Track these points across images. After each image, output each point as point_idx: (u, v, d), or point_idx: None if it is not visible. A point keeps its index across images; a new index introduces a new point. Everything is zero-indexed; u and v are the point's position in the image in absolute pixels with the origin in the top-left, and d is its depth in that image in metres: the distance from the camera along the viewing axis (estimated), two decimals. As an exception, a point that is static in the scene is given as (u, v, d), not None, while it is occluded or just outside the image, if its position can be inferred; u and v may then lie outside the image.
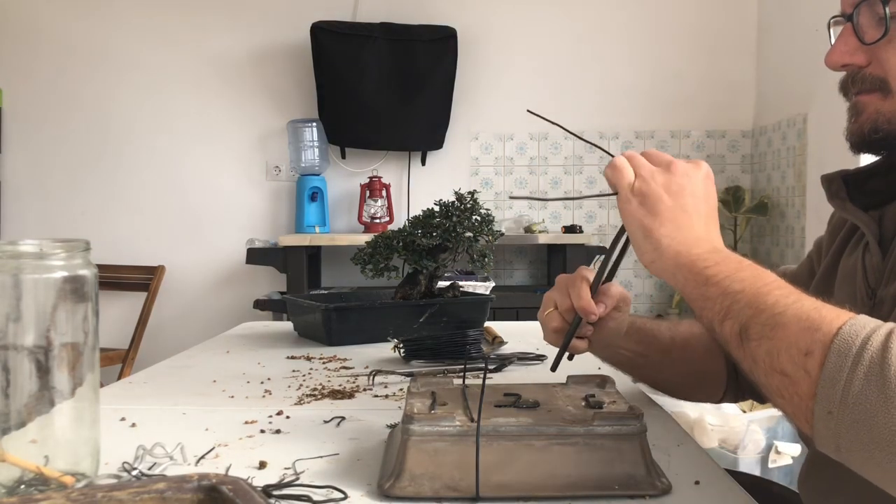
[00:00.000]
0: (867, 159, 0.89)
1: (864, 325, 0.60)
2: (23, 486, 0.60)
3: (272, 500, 0.62)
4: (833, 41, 0.85)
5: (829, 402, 0.58)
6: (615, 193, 0.85)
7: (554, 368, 0.92)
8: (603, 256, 0.91)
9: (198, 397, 1.01)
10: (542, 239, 3.29)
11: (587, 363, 1.27)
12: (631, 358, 1.02)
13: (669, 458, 0.74)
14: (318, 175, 3.44)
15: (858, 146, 0.84)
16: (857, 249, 0.87)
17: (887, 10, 0.77)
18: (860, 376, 0.57)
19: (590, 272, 0.92)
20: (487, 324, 1.49)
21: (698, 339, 1.05)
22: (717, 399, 1.10)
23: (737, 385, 1.07)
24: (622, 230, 0.85)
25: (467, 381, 0.77)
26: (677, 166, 0.81)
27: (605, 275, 0.89)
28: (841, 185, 0.89)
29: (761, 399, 1.06)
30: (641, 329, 1.01)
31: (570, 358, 0.96)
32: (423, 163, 3.59)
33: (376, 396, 1.01)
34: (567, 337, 0.91)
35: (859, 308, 0.81)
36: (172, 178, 3.60)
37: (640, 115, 3.59)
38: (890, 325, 0.59)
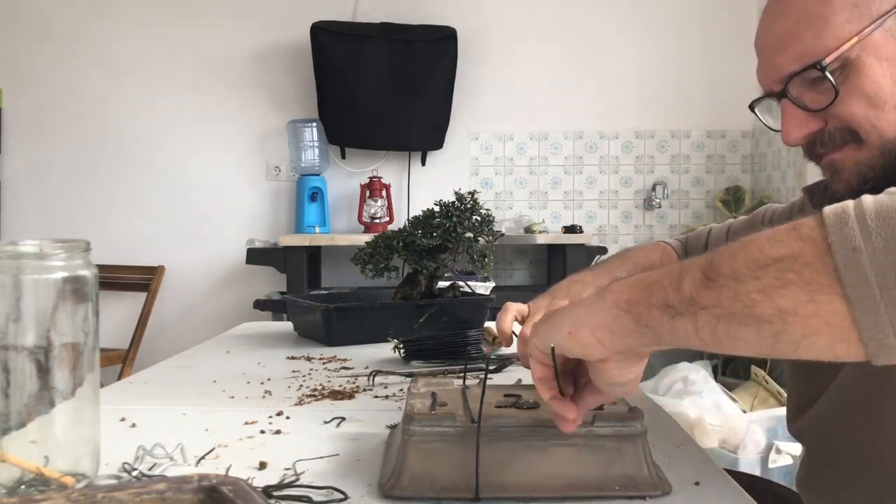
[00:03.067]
0: None
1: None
2: (23, 487, 0.60)
3: (272, 501, 0.62)
4: (768, 123, 0.86)
5: (848, 239, 0.50)
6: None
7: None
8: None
9: (198, 397, 1.01)
10: (542, 239, 3.29)
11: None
12: None
13: (669, 458, 0.74)
14: (318, 175, 3.44)
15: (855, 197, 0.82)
16: None
17: (828, 74, 0.75)
18: (869, 200, 0.51)
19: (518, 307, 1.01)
20: (487, 324, 1.49)
21: (658, 265, 1.07)
22: None
23: None
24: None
25: (467, 382, 0.77)
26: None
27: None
28: (823, 196, 0.89)
29: None
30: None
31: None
32: (423, 163, 3.59)
33: (376, 397, 1.01)
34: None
35: None
36: (172, 178, 3.60)
37: (640, 115, 3.59)
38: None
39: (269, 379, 1.12)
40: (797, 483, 0.97)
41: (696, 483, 0.67)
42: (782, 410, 2.62)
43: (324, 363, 1.24)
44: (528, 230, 3.36)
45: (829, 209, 0.52)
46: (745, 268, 0.53)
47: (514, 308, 1.07)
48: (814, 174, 3.04)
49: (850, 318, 0.50)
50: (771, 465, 2.49)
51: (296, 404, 0.96)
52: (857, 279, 0.49)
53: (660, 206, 3.60)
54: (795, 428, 0.95)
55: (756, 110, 0.88)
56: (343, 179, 3.60)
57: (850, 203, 0.51)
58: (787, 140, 0.82)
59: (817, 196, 0.90)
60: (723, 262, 0.54)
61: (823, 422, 0.87)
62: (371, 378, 1.08)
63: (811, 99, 0.79)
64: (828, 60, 0.75)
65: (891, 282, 0.49)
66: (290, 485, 0.65)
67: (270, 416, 0.90)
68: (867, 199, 0.51)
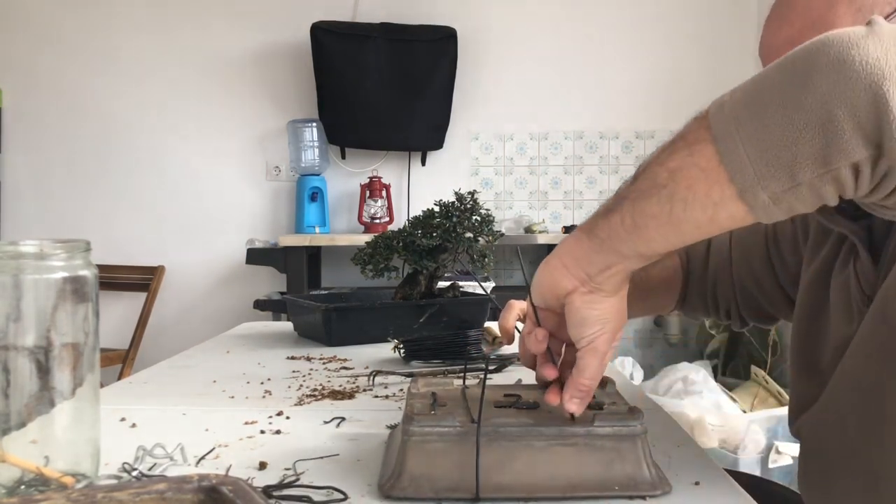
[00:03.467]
0: None
1: None
2: (23, 487, 0.60)
3: (272, 501, 0.62)
4: None
5: (718, 101, 0.60)
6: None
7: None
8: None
9: (198, 397, 1.01)
10: (542, 239, 3.28)
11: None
12: None
13: (669, 458, 0.74)
14: (318, 175, 3.44)
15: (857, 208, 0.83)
16: (847, 264, 0.86)
17: None
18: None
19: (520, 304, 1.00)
20: (487, 324, 1.49)
21: (663, 282, 1.12)
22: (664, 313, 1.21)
23: (682, 307, 1.16)
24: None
25: (467, 382, 0.77)
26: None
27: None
28: None
29: (696, 318, 1.22)
30: None
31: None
32: (423, 163, 3.59)
33: (376, 397, 1.01)
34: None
35: (855, 315, 0.81)
36: (172, 179, 3.60)
37: (640, 115, 3.59)
38: None
39: (269, 379, 1.12)
40: (798, 481, 0.97)
41: (696, 483, 0.67)
42: (782, 410, 2.62)
43: (324, 363, 1.24)
44: (528, 230, 3.36)
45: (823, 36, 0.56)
46: (655, 155, 0.61)
47: (517, 306, 1.07)
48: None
49: (717, 157, 0.56)
50: (771, 465, 2.49)
51: (296, 404, 0.96)
52: (720, 121, 0.57)
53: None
54: (795, 427, 0.95)
55: None
56: (343, 179, 3.60)
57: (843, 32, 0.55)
58: None
59: None
60: (648, 159, 0.62)
61: (822, 420, 0.87)
62: (371, 378, 1.08)
63: None
64: None
65: (744, 118, 0.55)
66: (290, 485, 0.65)
67: (270, 416, 0.90)
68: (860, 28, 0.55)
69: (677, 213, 0.58)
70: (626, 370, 3.15)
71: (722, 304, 1.11)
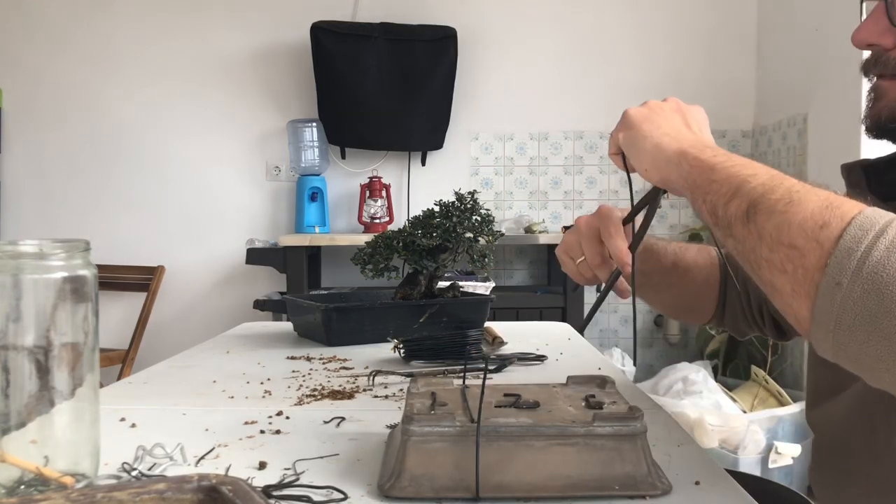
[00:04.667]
0: (870, 150, 0.88)
1: (888, 213, 0.58)
2: (22, 487, 0.59)
3: (272, 501, 0.62)
4: (863, 15, 0.84)
5: (840, 272, 0.56)
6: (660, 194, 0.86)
7: (583, 329, 0.93)
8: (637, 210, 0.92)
9: (198, 397, 1.01)
10: (542, 239, 3.28)
11: (587, 363, 1.27)
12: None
13: (670, 458, 0.74)
14: (318, 175, 3.44)
15: (874, 131, 0.83)
16: None
17: None
18: (882, 247, 0.55)
19: (616, 213, 0.92)
20: (487, 324, 1.49)
21: (700, 268, 1.09)
22: (704, 322, 1.16)
23: (722, 318, 1.12)
24: (653, 191, 0.86)
25: (467, 382, 0.77)
26: (651, 101, 0.85)
27: (632, 219, 0.91)
28: (861, 175, 0.88)
29: (738, 335, 1.15)
30: (648, 249, 1.04)
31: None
32: (423, 163, 3.59)
33: (376, 397, 1.01)
34: (604, 292, 0.92)
35: None
36: (172, 178, 3.61)
37: (640, 115, 3.59)
38: None
39: (269, 379, 1.12)
40: (809, 474, 0.97)
41: (696, 483, 0.67)
42: (782, 410, 2.63)
43: (324, 363, 1.24)
44: (528, 230, 3.36)
45: (855, 227, 0.57)
46: (772, 231, 0.61)
47: (616, 220, 0.95)
48: (814, 174, 3.05)
49: (808, 324, 0.59)
50: (771, 465, 2.49)
51: (296, 404, 0.96)
52: (825, 308, 0.57)
53: (660, 206, 3.60)
54: (811, 419, 0.95)
55: (863, 2, 0.86)
56: (343, 179, 3.60)
57: (870, 234, 0.56)
58: (853, 38, 0.82)
59: (854, 174, 0.89)
60: (763, 211, 0.63)
61: (841, 416, 0.86)
62: (371, 378, 1.08)
63: None
64: None
65: (844, 325, 0.56)
66: (290, 485, 0.65)
67: (270, 416, 0.90)
68: (882, 243, 0.55)
69: (765, 256, 0.62)
70: (616, 360, 3.15)
71: (754, 303, 1.07)
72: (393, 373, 1.10)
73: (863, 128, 0.84)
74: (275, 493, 0.63)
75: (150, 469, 0.70)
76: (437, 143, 3.53)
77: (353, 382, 1.09)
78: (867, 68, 0.83)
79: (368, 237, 1.54)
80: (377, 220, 3.42)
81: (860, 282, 0.55)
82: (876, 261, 0.54)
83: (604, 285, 0.93)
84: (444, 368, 1.15)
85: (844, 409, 0.86)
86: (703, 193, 0.70)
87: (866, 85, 0.85)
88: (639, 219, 0.90)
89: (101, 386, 0.78)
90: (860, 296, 0.55)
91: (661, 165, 0.78)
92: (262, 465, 0.71)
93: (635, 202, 0.90)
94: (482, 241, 1.46)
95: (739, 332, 1.12)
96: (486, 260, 1.48)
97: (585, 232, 0.94)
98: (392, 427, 0.81)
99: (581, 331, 0.95)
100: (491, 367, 1.16)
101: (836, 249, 0.56)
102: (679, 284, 1.09)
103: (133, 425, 0.86)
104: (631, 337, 3.55)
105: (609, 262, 0.93)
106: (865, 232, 0.56)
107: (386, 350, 1.28)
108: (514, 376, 1.13)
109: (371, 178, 3.47)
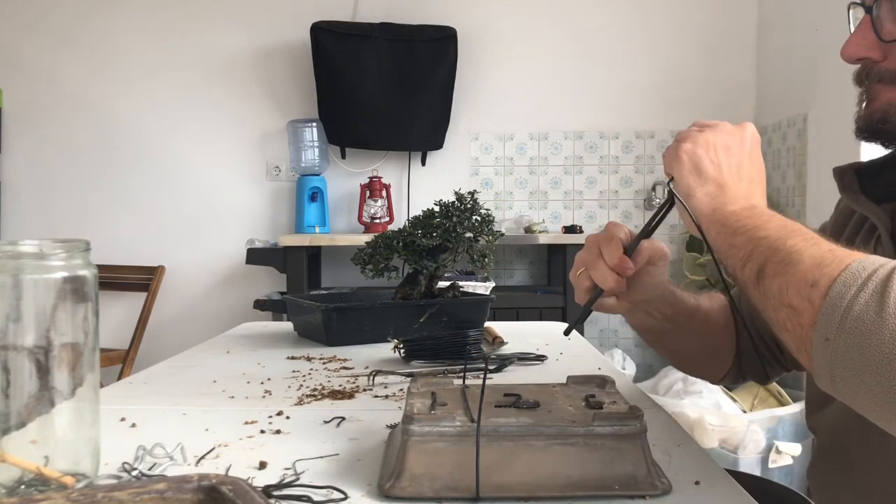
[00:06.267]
0: (870, 149, 0.89)
1: (873, 262, 0.60)
2: (23, 487, 0.59)
3: (272, 501, 0.62)
4: (851, 28, 0.84)
5: (827, 328, 0.59)
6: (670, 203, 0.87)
7: (568, 332, 0.92)
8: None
9: (198, 397, 1.01)
10: (542, 239, 3.28)
11: (587, 363, 1.27)
12: (659, 322, 0.99)
13: (670, 458, 0.74)
14: (318, 175, 3.44)
15: (864, 133, 0.83)
16: (868, 245, 0.86)
17: None
18: (861, 302, 0.58)
19: (620, 229, 0.89)
20: (487, 324, 1.49)
21: (717, 313, 1.05)
22: (718, 379, 1.11)
23: (739, 367, 1.07)
24: (670, 194, 0.86)
25: (467, 382, 0.77)
26: (724, 126, 0.83)
27: (643, 233, 0.88)
28: (853, 178, 0.88)
29: (761, 379, 1.11)
30: (673, 293, 0.99)
31: (589, 312, 0.93)
32: (423, 163, 3.59)
33: (376, 397, 1.01)
34: (591, 298, 0.89)
35: None
36: (172, 179, 3.61)
37: (640, 115, 3.59)
38: None
39: (269, 379, 1.12)
40: (806, 472, 0.97)
41: (696, 482, 0.67)
42: (782, 410, 2.63)
43: (324, 363, 1.24)
44: (528, 230, 3.36)
45: (840, 283, 0.60)
46: (775, 293, 0.66)
47: (618, 233, 0.90)
48: (814, 174, 3.05)
49: (812, 371, 0.63)
50: (771, 465, 2.49)
51: (296, 404, 0.96)
52: (820, 363, 0.61)
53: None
54: (811, 422, 0.95)
55: (850, 10, 0.86)
56: (343, 179, 3.60)
57: (853, 288, 0.59)
58: (842, 53, 0.83)
59: (847, 177, 0.89)
60: (769, 274, 0.67)
61: (840, 420, 0.86)
62: (371, 378, 1.08)
63: (889, 29, 0.78)
64: None
65: (837, 377, 0.60)
66: (290, 484, 0.65)
67: (270, 416, 0.90)
68: (862, 297, 0.58)
69: (772, 317, 0.67)
70: (617, 361, 3.14)
71: (768, 338, 1.03)
72: (393, 373, 1.10)
73: (854, 130, 0.84)
74: (275, 493, 0.63)
75: (150, 469, 0.70)
76: (437, 143, 3.53)
77: (354, 382, 1.09)
78: (860, 79, 0.84)
79: (368, 237, 1.54)
80: (377, 220, 3.42)
81: (843, 335, 0.58)
82: (856, 315, 0.58)
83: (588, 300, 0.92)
84: (444, 368, 1.15)
85: (840, 414, 0.86)
86: (727, 258, 0.75)
87: (843, 105, 0.86)
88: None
89: (102, 386, 0.78)
90: (845, 350, 0.58)
91: (699, 225, 0.80)
92: (263, 465, 0.71)
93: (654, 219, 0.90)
94: (482, 241, 1.46)
95: (762, 375, 1.08)
96: (486, 260, 1.48)
97: (589, 244, 0.92)
98: (392, 427, 0.81)
99: (567, 332, 0.94)
100: (491, 367, 1.16)
101: (823, 306, 0.60)
102: (701, 331, 1.04)
103: (133, 425, 0.86)
104: (631, 337, 3.56)
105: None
106: (848, 287, 0.59)
107: (386, 350, 1.28)
108: (514, 376, 1.13)
109: (371, 178, 3.47)
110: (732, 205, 0.78)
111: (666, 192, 0.87)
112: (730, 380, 1.10)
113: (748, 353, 1.06)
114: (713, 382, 1.15)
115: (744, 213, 0.76)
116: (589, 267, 0.89)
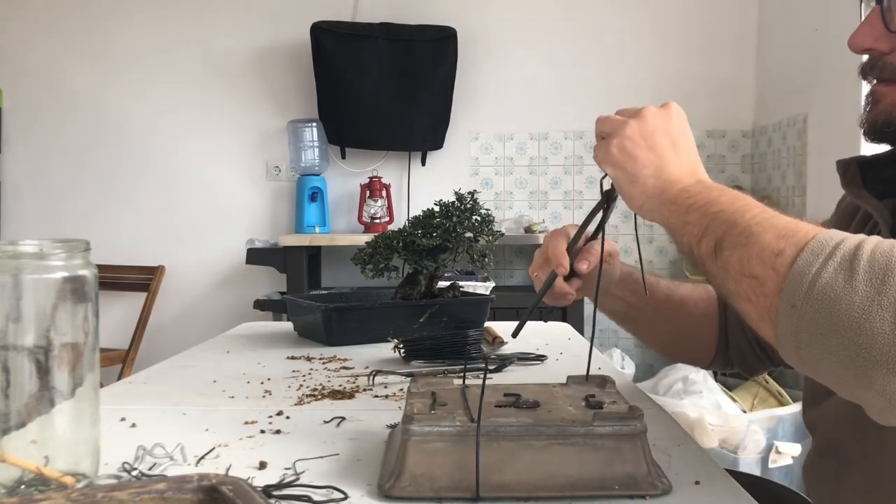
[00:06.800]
0: (872, 147, 0.88)
1: (840, 234, 0.61)
2: (23, 487, 0.60)
3: (272, 501, 0.62)
4: (862, 18, 0.84)
5: (794, 295, 0.60)
6: (607, 202, 0.91)
7: (515, 334, 0.94)
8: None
9: (198, 397, 1.01)
10: (542, 239, 3.27)
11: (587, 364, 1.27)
12: (624, 308, 1.07)
13: (670, 458, 0.74)
14: (318, 175, 3.44)
15: (871, 135, 0.83)
16: None
17: None
18: (829, 270, 0.59)
19: (573, 228, 0.97)
20: (487, 324, 1.49)
21: (696, 302, 1.09)
22: (706, 364, 1.14)
23: (726, 355, 1.10)
24: (611, 189, 0.89)
25: (467, 382, 0.77)
26: (647, 111, 0.87)
27: (590, 232, 0.96)
28: (856, 172, 0.88)
29: (749, 370, 1.11)
30: (637, 281, 1.04)
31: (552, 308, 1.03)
32: (423, 163, 3.59)
33: (376, 397, 1.01)
34: (540, 291, 0.96)
35: None
36: (172, 178, 3.61)
37: (640, 115, 3.59)
38: (866, 236, 0.61)
39: (269, 379, 1.12)
40: (802, 470, 0.97)
41: (696, 482, 0.67)
42: (782, 410, 2.63)
43: (324, 363, 1.24)
44: (528, 230, 3.36)
45: (807, 252, 0.61)
46: (735, 265, 0.66)
47: (568, 230, 1.00)
48: (814, 174, 3.05)
49: (777, 345, 0.64)
50: (771, 465, 2.49)
51: (296, 404, 0.96)
52: (785, 329, 0.61)
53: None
54: (808, 418, 0.95)
55: (862, 1, 0.86)
56: (343, 179, 3.60)
57: (820, 257, 0.60)
58: (849, 42, 0.83)
59: (850, 171, 0.89)
60: (727, 246, 0.67)
61: (837, 416, 0.86)
62: (371, 378, 1.08)
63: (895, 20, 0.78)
64: None
65: (803, 344, 0.60)
66: (290, 484, 0.65)
67: (270, 416, 0.90)
68: (831, 265, 0.59)
69: (732, 289, 0.67)
70: (616, 361, 3.14)
71: (751, 333, 1.05)
72: (393, 373, 1.10)
73: (861, 132, 0.84)
74: (275, 493, 0.63)
75: (150, 469, 0.70)
76: (438, 143, 3.53)
77: (354, 382, 1.09)
78: (865, 72, 0.84)
79: (368, 237, 1.54)
80: (377, 220, 3.42)
81: (811, 302, 0.59)
82: (825, 282, 0.58)
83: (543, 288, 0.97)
84: (444, 368, 1.15)
85: (837, 409, 0.86)
86: (681, 236, 0.75)
87: (865, 87, 0.85)
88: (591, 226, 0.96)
89: (102, 386, 0.78)
90: (812, 316, 0.59)
91: (647, 211, 0.81)
92: (263, 465, 0.71)
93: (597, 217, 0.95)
94: (482, 240, 1.46)
95: (749, 367, 1.10)
96: (486, 260, 1.48)
97: (544, 241, 1.01)
98: (392, 427, 0.81)
99: (515, 335, 0.95)
100: (491, 367, 1.16)
101: (790, 274, 0.60)
102: (673, 319, 1.09)
103: (133, 425, 0.86)
104: (631, 337, 3.55)
105: (549, 264, 0.96)
106: (816, 256, 0.60)
107: (386, 350, 1.28)
108: (514, 376, 1.14)
109: (371, 178, 3.47)
110: (679, 183, 0.78)
111: (602, 191, 0.91)
112: (718, 366, 1.13)
113: (737, 342, 1.08)
114: (703, 367, 1.18)
115: (693, 190, 0.76)
116: (535, 261, 1.00)
